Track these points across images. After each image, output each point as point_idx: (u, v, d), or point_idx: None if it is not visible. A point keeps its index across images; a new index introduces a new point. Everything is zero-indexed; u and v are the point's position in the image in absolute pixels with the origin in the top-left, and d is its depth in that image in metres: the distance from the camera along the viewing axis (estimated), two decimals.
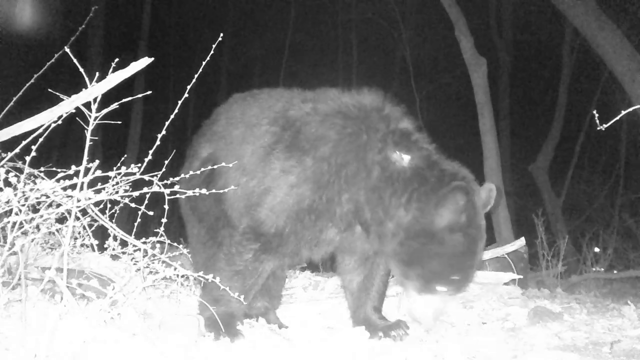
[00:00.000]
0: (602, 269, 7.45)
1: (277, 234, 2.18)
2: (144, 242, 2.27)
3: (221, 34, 2.54)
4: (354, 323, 2.60)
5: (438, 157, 2.31)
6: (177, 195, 2.24)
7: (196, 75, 2.35)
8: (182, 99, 2.26)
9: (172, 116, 2.29)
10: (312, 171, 2.17)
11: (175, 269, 2.14)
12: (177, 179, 2.24)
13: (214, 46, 2.39)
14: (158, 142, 2.20)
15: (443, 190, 2.09)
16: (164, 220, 2.38)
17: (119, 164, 2.19)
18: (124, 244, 2.52)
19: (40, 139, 2.00)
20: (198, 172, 2.32)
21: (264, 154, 2.30)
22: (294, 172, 2.18)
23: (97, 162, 1.90)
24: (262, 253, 2.20)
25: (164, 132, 2.22)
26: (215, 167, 2.21)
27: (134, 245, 2.43)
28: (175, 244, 2.54)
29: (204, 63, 2.34)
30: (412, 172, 2.18)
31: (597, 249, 8.01)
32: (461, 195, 2.06)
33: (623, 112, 2.40)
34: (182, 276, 2.33)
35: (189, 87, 2.30)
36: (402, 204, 2.14)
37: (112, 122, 2.07)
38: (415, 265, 2.14)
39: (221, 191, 2.29)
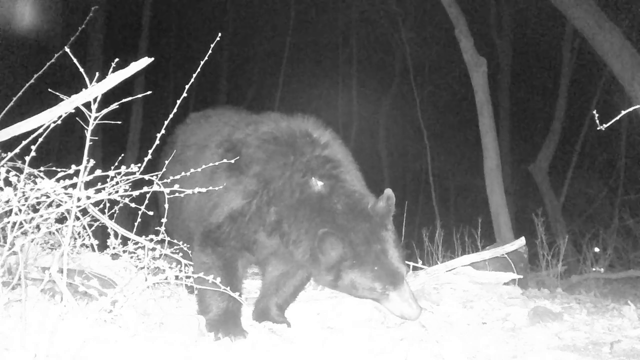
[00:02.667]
0: (602, 269, 7.44)
1: (221, 229, 2.56)
2: (150, 240, 2.28)
3: (219, 34, 2.56)
4: (254, 313, 2.89)
5: (346, 186, 2.56)
6: (176, 195, 2.29)
7: (194, 75, 2.37)
8: (181, 98, 2.28)
9: (171, 116, 2.30)
10: (245, 185, 2.56)
11: (180, 270, 2.17)
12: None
13: (212, 46, 2.40)
14: (157, 142, 2.21)
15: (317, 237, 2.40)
16: (163, 220, 2.39)
17: (116, 163, 2.19)
18: (124, 243, 2.52)
19: (40, 139, 2.00)
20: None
21: (211, 173, 2.63)
22: (234, 188, 2.57)
23: (92, 162, 1.90)
24: (217, 246, 2.55)
25: (163, 131, 2.22)
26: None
27: (135, 244, 2.43)
28: (174, 241, 2.54)
29: (202, 63, 2.35)
30: (317, 200, 2.50)
31: (597, 249, 8.00)
32: (330, 239, 2.36)
33: (623, 112, 2.40)
34: (181, 277, 2.32)
35: (187, 86, 2.31)
36: (308, 230, 2.46)
37: (112, 122, 2.07)
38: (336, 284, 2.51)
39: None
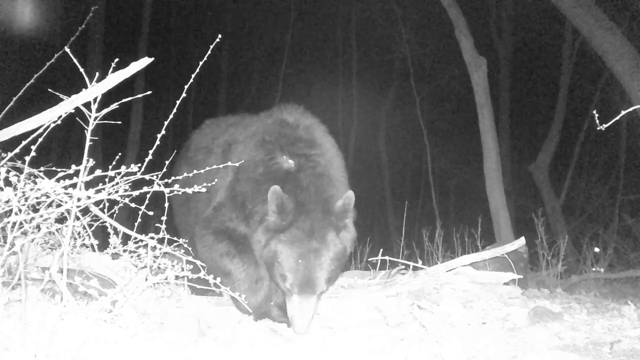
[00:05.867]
0: (602, 269, 7.44)
1: (208, 217, 2.78)
2: (152, 237, 2.29)
3: (219, 35, 2.57)
4: (254, 312, 2.87)
5: (317, 168, 2.58)
6: (175, 193, 2.31)
7: (193, 75, 2.38)
8: (181, 98, 2.29)
9: (170, 116, 2.30)
10: (226, 179, 2.76)
11: (182, 269, 2.17)
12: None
13: (211, 46, 2.40)
14: (158, 142, 2.21)
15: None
16: (164, 218, 2.39)
17: (115, 163, 2.19)
18: (124, 243, 2.53)
19: (40, 139, 2.00)
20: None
21: (215, 172, 2.70)
22: (221, 183, 2.78)
23: (92, 162, 1.90)
24: (209, 227, 2.74)
25: (163, 132, 2.22)
26: (189, 191, 2.39)
27: (136, 243, 2.44)
28: (175, 239, 2.55)
29: (201, 63, 2.35)
30: (283, 175, 2.53)
31: (597, 249, 8.00)
32: (282, 198, 2.36)
33: (623, 112, 2.40)
34: (181, 277, 2.33)
35: (186, 86, 2.32)
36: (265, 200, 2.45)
37: (112, 122, 2.07)
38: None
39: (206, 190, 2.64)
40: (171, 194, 2.30)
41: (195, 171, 2.48)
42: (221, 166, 2.58)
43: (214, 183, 2.59)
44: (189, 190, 2.32)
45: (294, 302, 2.41)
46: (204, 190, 2.37)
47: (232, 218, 2.68)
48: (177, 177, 2.34)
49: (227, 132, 3.20)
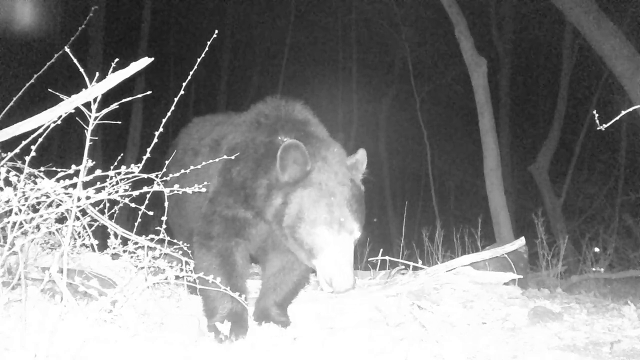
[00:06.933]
0: (602, 269, 7.44)
1: (206, 218, 2.62)
2: (151, 239, 2.29)
3: (216, 31, 2.56)
4: (254, 314, 2.85)
5: (318, 135, 2.58)
6: (175, 192, 2.31)
7: (191, 72, 2.38)
8: (179, 95, 2.29)
9: (168, 114, 2.29)
10: (218, 165, 2.65)
11: (180, 269, 2.17)
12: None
13: (209, 42, 2.41)
14: (155, 140, 2.21)
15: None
16: (164, 218, 2.39)
17: (116, 163, 2.19)
18: (124, 243, 2.52)
19: (40, 139, 2.00)
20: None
21: (203, 173, 2.70)
22: (214, 173, 2.70)
23: (91, 162, 1.90)
24: (210, 240, 2.55)
25: (161, 129, 2.22)
26: (180, 191, 2.35)
27: (135, 244, 2.44)
28: (174, 241, 2.54)
29: (199, 60, 2.36)
30: None
31: (597, 249, 8.00)
32: (295, 151, 2.28)
33: (623, 112, 2.40)
34: (181, 277, 2.33)
35: (184, 84, 2.32)
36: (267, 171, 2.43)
37: (112, 122, 2.07)
38: (292, 227, 2.32)
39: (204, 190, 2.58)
40: (170, 194, 2.30)
41: (183, 171, 2.43)
42: (210, 162, 2.55)
43: (205, 183, 2.53)
44: (188, 190, 2.31)
45: (331, 251, 2.21)
46: (196, 190, 2.34)
47: (230, 204, 2.56)
48: (167, 179, 2.33)
49: (214, 131, 3.15)
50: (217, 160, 2.55)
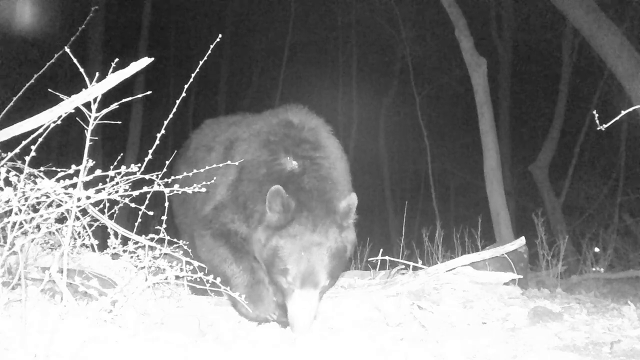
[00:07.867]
0: (602, 269, 7.44)
1: (207, 217, 2.74)
2: (151, 239, 2.29)
3: (220, 35, 2.57)
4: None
5: (321, 171, 2.58)
6: (175, 192, 2.30)
7: (193, 75, 2.38)
8: (180, 98, 2.29)
9: (170, 115, 2.30)
10: (228, 176, 2.74)
11: (181, 269, 2.17)
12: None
13: (212, 46, 2.40)
14: (157, 142, 2.21)
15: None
16: (164, 217, 2.40)
17: (116, 163, 2.19)
18: (124, 243, 2.52)
19: (40, 139, 2.00)
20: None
21: (215, 170, 2.68)
22: (222, 180, 2.75)
23: (91, 162, 1.90)
24: (208, 229, 2.69)
25: (163, 131, 2.22)
26: (189, 190, 2.38)
27: (135, 244, 2.44)
28: (175, 240, 2.55)
29: (201, 63, 2.35)
30: (286, 177, 2.52)
31: (597, 249, 8.00)
32: (283, 198, 2.35)
33: (623, 112, 2.40)
34: (181, 277, 2.33)
35: (186, 86, 2.32)
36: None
37: (112, 122, 2.07)
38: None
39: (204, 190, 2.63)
40: (171, 194, 2.30)
41: (195, 170, 2.46)
42: (221, 165, 2.56)
43: (213, 181, 2.57)
44: (189, 190, 2.31)
45: (295, 299, 2.36)
46: (203, 190, 2.35)
47: (234, 219, 2.66)
48: (177, 177, 2.33)
49: (229, 130, 3.19)
50: (230, 165, 2.62)
